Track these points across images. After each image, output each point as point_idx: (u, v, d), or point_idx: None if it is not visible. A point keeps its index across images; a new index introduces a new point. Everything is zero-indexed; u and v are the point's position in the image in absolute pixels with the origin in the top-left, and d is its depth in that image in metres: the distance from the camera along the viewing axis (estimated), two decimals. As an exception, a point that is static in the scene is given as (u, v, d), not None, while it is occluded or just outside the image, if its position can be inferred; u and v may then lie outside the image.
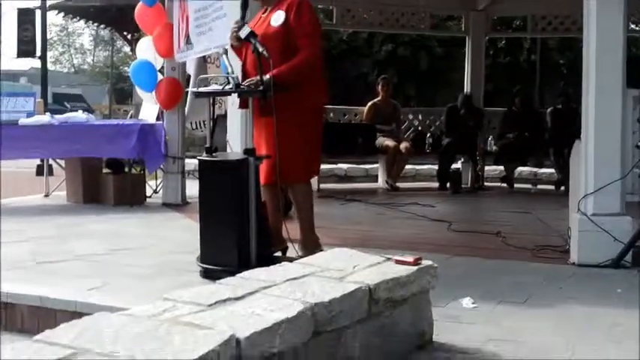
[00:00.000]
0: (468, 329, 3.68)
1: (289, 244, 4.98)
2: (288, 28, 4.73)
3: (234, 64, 4.80)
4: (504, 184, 10.43)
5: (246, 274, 3.33)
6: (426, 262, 3.51)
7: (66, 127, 7.88)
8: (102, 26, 25.82)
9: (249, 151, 4.64)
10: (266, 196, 4.89)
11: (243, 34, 4.66)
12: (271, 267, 3.46)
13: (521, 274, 4.87)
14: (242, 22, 4.76)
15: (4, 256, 5.32)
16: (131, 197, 8.00)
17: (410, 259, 3.48)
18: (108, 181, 8.12)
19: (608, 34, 5.07)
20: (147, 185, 8.54)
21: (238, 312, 2.70)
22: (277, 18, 4.77)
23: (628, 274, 4.86)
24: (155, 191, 8.67)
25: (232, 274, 4.53)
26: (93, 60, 62.89)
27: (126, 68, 55.16)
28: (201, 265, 4.71)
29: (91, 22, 24.43)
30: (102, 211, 7.61)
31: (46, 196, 8.74)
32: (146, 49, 8.31)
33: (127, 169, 8.31)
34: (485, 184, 10.42)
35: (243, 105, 4.84)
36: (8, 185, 8.53)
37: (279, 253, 4.99)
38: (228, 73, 4.62)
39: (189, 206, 7.98)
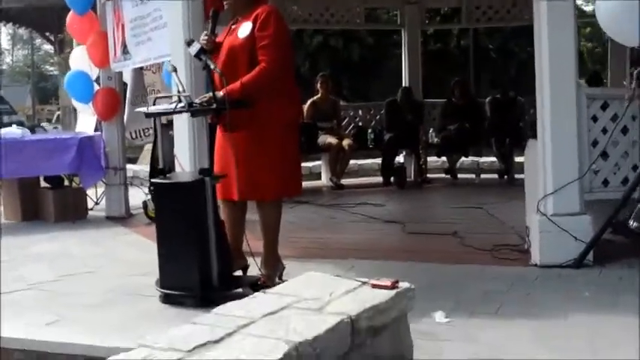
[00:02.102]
0: (447, 348, 3.64)
1: (250, 258, 4.85)
2: (253, 40, 4.57)
3: (184, 81, 4.65)
4: (448, 176, 10.45)
5: (219, 309, 3.18)
6: (402, 285, 3.41)
7: (1, 145, 7.54)
8: (22, 28, 25.16)
9: (204, 171, 4.50)
10: (225, 213, 4.76)
11: (192, 50, 4.51)
12: (244, 300, 3.33)
13: (486, 280, 4.87)
14: (212, 34, 4.61)
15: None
16: (73, 212, 7.75)
17: (387, 282, 3.38)
18: (47, 197, 7.83)
19: (559, 33, 5.06)
20: (87, 197, 8.27)
21: (221, 359, 2.58)
22: (244, 30, 4.60)
23: (591, 274, 4.90)
24: (96, 202, 8.43)
25: (194, 297, 4.46)
26: (12, 60, 61.43)
27: (47, 67, 54.21)
28: (161, 290, 4.56)
29: (10, 24, 23.79)
30: (43, 229, 7.35)
31: (-19, 214, 8.39)
32: (80, 59, 8.04)
33: (66, 183, 8.04)
34: (429, 175, 10.41)
35: (213, 120, 4.68)
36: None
37: (239, 272, 4.87)
38: (179, 92, 4.46)
39: (133, 219, 7.81)
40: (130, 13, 6.98)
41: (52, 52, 35.53)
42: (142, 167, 11.51)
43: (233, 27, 4.77)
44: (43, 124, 31.73)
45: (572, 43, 5.08)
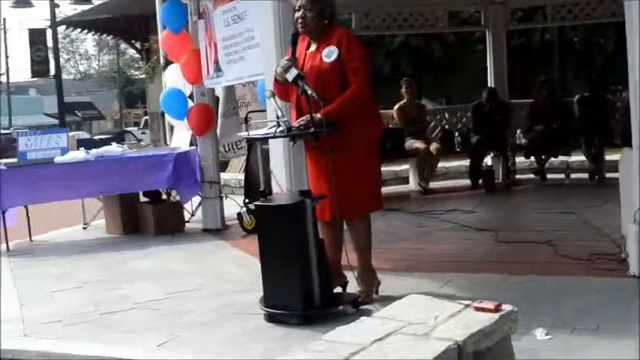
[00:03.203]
0: (551, 367, 3.68)
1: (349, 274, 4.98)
2: (341, 63, 4.72)
3: (282, 105, 4.79)
4: (537, 177, 10.37)
5: (329, 336, 3.29)
6: (506, 307, 3.47)
7: (102, 163, 7.85)
8: (110, 36, 25.81)
9: (304, 193, 4.64)
10: (323, 232, 4.89)
11: (290, 76, 4.64)
12: (352, 325, 3.42)
13: (584, 293, 4.85)
14: (294, 58, 4.74)
15: (64, 306, 5.35)
16: (171, 225, 8.01)
17: (490, 305, 3.44)
18: (147, 211, 8.13)
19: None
20: (184, 210, 8.53)
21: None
22: (329, 54, 4.74)
23: (692, 285, 4.85)
24: (192, 214, 8.68)
25: (297, 317, 4.60)
26: (98, 65, 62.97)
27: (132, 71, 55.45)
28: (265, 309, 4.71)
29: (99, 33, 24.48)
30: (144, 243, 7.60)
31: (85, 228, 8.73)
32: (174, 77, 8.29)
33: (164, 197, 8.31)
34: (517, 177, 10.37)
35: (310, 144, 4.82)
36: (42, 214, 8.52)
37: (339, 289, 4.99)
38: (278, 117, 4.61)
39: (229, 231, 8.01)
40: (223, 32, 7.17)
41: (138, 57, 36.42)
42: (231, 175, 11.78)
43: (309, 51, 4.88)
44: (131, 128, 32.55)
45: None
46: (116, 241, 7.98)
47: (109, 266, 6.70)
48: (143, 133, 29.03)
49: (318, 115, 4.56)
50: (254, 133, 4.86)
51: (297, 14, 4.82)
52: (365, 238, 4.98)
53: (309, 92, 4.56)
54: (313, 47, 4.88)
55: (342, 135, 4.64)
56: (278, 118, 4.62)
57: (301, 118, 4.68)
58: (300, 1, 4.81)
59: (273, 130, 4.67)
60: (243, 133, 5.03)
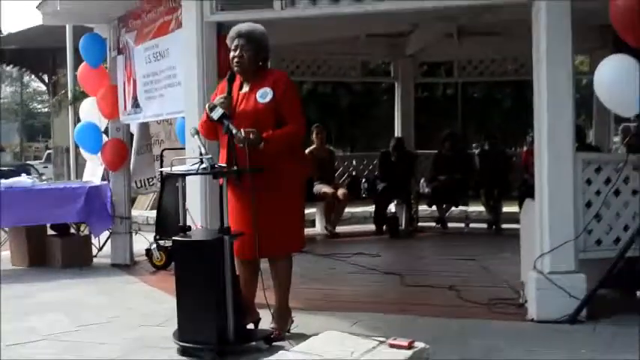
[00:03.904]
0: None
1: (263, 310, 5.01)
2: (277, 104, 4.80)
3: (206, 143, 4.85)
4: (438, 225, 10.66)
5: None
6: (419, 344, 3.61)
7: (12, 194, 7.68)
8: (16, 68, 25.20)
9: (223, 230, 4.68)
10: (240, 269, 4.92)
11: (215, 115, 4.72)
12: (273, 358, 3.49)
13: (487, 335, 5.03)
14: (229, 96, 4.82)
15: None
16: (79, 259, 7.90)
17: (404, 342, 3.58)
18: (54, 244, 7.98)
19: (559, 100, 5.33)
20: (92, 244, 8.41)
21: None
22: (264, 94, 4.81)
23: (585, 330, 5.09)
24: (99, 249, 8.55)
25: (212, 351, 4.61)
26: (0, 97, 61.30)
27: (35, 104, 54.20)
28: (179, 343, 4.70)
29: (6, 64, 23.89)
30: (52, 275, 7.45)
31: (-13, 259, 8.49)
32: (90, 110, 8.23)
33: (72, 231, 8.18)
34: (420, 224, 10.62)
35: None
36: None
37: (251, 325, 5.03)
38: (201, 154, 4.65)
39: (138, 266, 7.94)
40: (143, 69, 7.16)
41: (42, 90, 35.65)
42: (139, 212, 11.67)
43: (242, 92, 4.92)
44: (33, 162, 31.71)
45: (570, 113, 5.34)
46: (22, 272, 7.79)
47: (15, 297, 6.52)
48: (45, 167, 28.28)
49: (242, 131, 4.61)
50: (176, 169, 4.88)
51: (235, 53, 4.87)
52: (286, 276, 5.03)
53: (234, 131, 4.64)
54: (246, 88, 4.93)
55: (271, 174, 4.71)
56: (201, 155, 4.66)
57: (248, 129, 4.67)
58: (237, 40, 4.87)
59: (196, 167, 4.71)
60: (165, 169, 5.03)
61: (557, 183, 5.31)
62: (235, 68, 4.91)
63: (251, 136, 4.62)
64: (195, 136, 4.83)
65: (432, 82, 15.10)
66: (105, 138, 8.19)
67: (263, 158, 4.67)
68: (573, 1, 5.28)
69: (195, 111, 6.02)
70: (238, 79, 4.97)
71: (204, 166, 4.63)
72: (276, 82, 4.86)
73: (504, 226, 9.98)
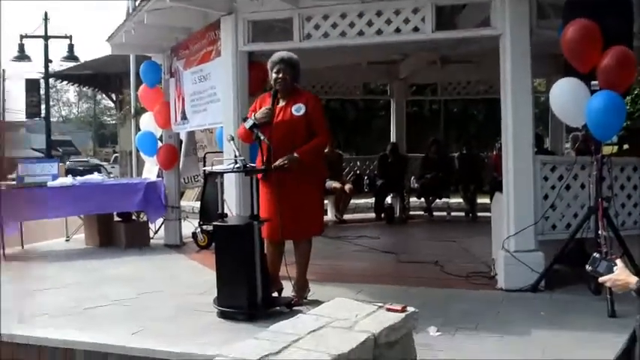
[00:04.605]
0: (441, 355, 3.78)
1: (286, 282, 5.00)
2: (307, 117, 4.82)
3: (240, 147, 4.83)
4: (426, 214, 10.59)
5: (274, 327, 3.30)
6: (410, 309, 3.56)
7: (86, 187, 7.67)
8: (91, 88, 25.33)
9: (253, 216, 4.67)
10: (269, 249, 4.91)
11: (247, 124, 4.71)
12: (292, 320, 3.44)
13: (465, 301, 5.01)
14: (272, 110, 4.80)
15: (53, 302, 5.19)
16: (139, 240, 7.86)
17: (398, 307, 3.52)
18: (119, 228, 7.95)
19: (521, 114, 5.29)
20: (150, 229, 8.39)
21: (284, 366, 2.72)
22: (298, 109, 4.83)
23: (544, 297, 5.07)
24: (155, 232, 8.53)
25: (244, 314, 4.59)
26: (78, 111, 61.79)
27: (105, 117, 54.61)
28: (218, 307, 4.69)
29: (81, 85, 24.03)
30: (117, 254, 7.42)
31: (67, 240, 8.48)
32: (148, 122, 8.22)
33: (134, 217, 8.18)
34: (411, 213, 10.56)
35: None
36: (31, 228, 8.23)
37: (275, 294, 5.00)
38: (236, 156, 4.64)
39: (186, 246, 7.90)
40: (190, 89, 7.14)
41: (111, 106, 35.88)
42: (186, 203, 11.63)
43: (279, 105, 4.91)
44: (103, 163, 31.79)
45: (530, 124, 5.32)
46: (94, 251, 7.76)
47: (88, 270, 6.53)
48: (112, 167, 28.35)
49: (295, 155, 4.68)
50: (216, 168, 4.87)
51: (278, 75, 4.86)
52: (306, 256, 5.04)
53: (262, 138, 4.63)
54: (282, 103, 4.92)
55: (305, 172, 4.76)
56: (236, 157, 4.65)
57: (283, 158, 4.71)
58: (279, 65, 4.86)
59: (232, 166, 4.70)
60: (207, 168, 5.02)
61: (521, 180, 5.28)
62: (277, 87, 4.90)
63: (291, 164, 4.68)
64: (231, 142, 4.81)
65: (420, 99, 14.96)
66: (160, 144, 8.16)
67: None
68: (532, 37, 5.27)
69: (231, 121, 6.02)
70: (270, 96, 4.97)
71: (238, 165, 4.63)
72: (308, 100, 4.90)
73: (479, 214, 9.89)
